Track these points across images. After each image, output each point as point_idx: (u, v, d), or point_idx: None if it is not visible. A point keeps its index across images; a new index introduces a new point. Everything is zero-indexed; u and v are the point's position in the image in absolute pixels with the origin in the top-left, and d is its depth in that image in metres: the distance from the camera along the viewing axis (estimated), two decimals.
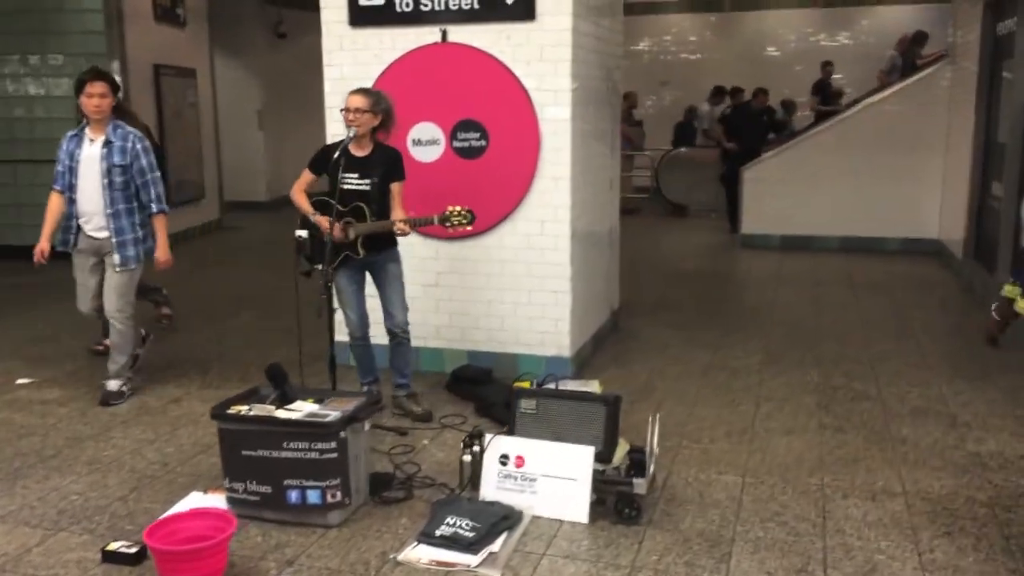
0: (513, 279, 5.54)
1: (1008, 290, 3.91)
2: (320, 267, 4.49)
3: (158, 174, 5.24)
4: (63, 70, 9.90)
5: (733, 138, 12.30)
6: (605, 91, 6.23)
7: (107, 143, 5.03)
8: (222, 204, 13.01)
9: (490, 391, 5.09)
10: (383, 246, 4.68)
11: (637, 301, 7.62)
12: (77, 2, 9.79)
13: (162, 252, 5.28)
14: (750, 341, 6.53)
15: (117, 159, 5.01)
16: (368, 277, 4.85)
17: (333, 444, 3.55)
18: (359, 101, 4.59)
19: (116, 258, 5.05)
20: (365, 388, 4.99)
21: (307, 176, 4.75)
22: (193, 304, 7.90)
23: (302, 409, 3.73)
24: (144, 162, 5.10)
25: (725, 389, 5.45)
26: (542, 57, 5.29)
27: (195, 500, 3.84)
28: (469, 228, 4.51)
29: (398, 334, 4.82)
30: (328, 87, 5.63)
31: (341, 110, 4.66)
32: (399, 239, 4.80)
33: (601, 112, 6.13)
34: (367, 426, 3.78)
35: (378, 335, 4.97)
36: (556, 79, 5.29)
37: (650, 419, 3.80)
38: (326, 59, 5.66)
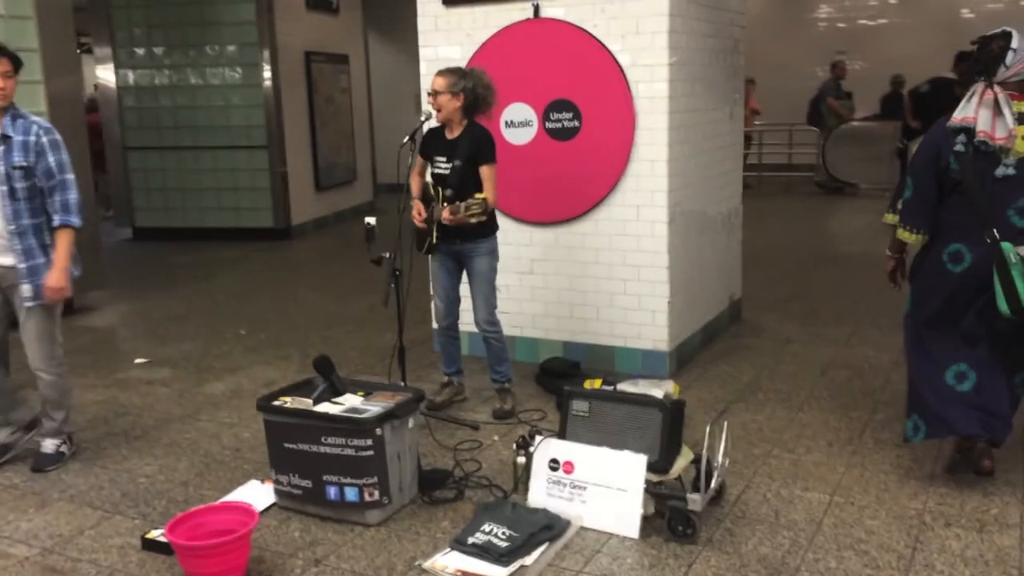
0: (608, 267, 5.24)
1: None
2: (388, 255, 4.38)
3: (72, 177, 3.99)
4: (218, 60, 10.41)
5: (920, 119, 11.03)
6: (722, 61, 5.76)
7: (3, 139, 3.86)
8: (375, 186, 13.35)
9: (576, 385, 4.81)
10: (468, 236, 4.46)
11: (771, 290, 7.10)
12: None
13: (55, 276, 3.92)
14: (887, 337, 5.88)
15: (17, 158, 3.84)
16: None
17: (369, 441, 3.43)
18: (437, 82, 4.43)
19: (25, 290, 3.92)
20: (446, 379, 4.87)
21: (418, 160, 4.62)
22: (324, 286, 8.08)
23: (345, 403, 3.64)
24: (52, 160, 3.91)
25: (842, 391, 4.93)
26: (638, 30, 4.93)
27: (252, 489, 3.85)
28: (483, 216, 4.22)
29: (480, 331, 4.65)
30: (424, 69, 5.52)
31: (428, 92, 4.52)
32: (498, 229, 4.61)
33: (715, 86, 5.68)
34: (411, 423, 3.64)
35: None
36: (653, 53, 4.91)
37: (708, 429, 3.43)
38: (421, 40, 5.55)
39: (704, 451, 3.38)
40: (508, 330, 5.54)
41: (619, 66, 4.98)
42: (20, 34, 6.54)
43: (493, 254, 4.57)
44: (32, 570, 3.25)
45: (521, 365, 5.45)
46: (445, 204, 4.34)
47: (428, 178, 4.59)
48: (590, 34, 5.02)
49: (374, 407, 3.56)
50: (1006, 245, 3.45)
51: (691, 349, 5.53)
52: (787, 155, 15.34)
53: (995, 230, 3.46)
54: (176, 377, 5.48)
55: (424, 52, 5.54)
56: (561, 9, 5.09)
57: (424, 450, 4.23)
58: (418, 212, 4.47)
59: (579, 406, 3.60)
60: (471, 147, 4.39)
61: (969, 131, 3.47)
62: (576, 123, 5.14)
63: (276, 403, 3.63)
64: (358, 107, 12.61)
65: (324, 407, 3.59)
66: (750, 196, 6.33)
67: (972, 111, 3.47)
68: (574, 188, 5.21)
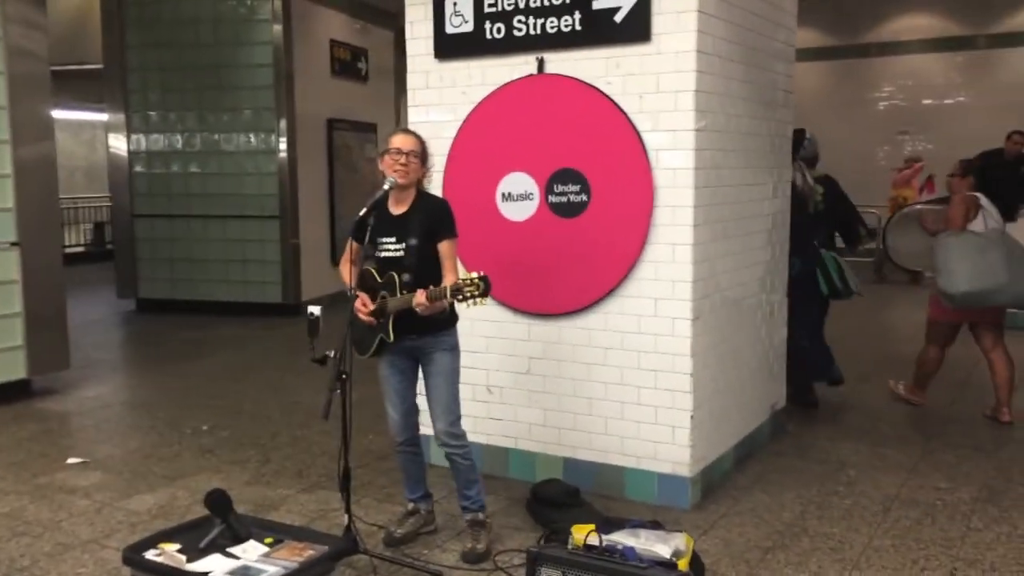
0: (619, 371, 4.32)
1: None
2: (333, 353, 3.53)
3: None
4: (232, 126, 9.88)
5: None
6: (764, 129, 4.91)
7: None
8: None
9: (571, 518, 3.85)
10: (428, 328, 3.63)
11: (820, 398, 6.06)
12: (248, 58, 9.75)
13: None
14: (965, 464, 4.84)
15: None
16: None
17: None
18: (411, 142, 3.67)
19: None
20: (411, 506, 3.96)
21: (351, 246, 3.85)
22: (318, 373, 7.23)
23: (242, 556, 2.75)
24: None
25: (910, 541, 3.89)
26: (659, 88, 4.11)
27: None
28: (484, 301, 3.35)
29: (441, 446, 3.76)
30: None
31: (380, 154, 3.73)
32: (459, 319, 3.79)
33: (755, 157, 4.81)
34: None
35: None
36: (676, 116, 4.08)
37: None
38: (411, 99, 4.80)
39: None
40: (500, 440, 4.68)
41: (636, 131, 4.14)
42: None
43: (456, 350, 3.73)
44: None
45: (514, 484, 4.53)
46: (404, 291, 3.51)
47: (367, 264, 3.74)
48: (602, 93, 4.21)
49: (272, 567, 2.66)
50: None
51: (720, 473, 4.55)
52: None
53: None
54: (104, 484, 4.64)
55: (413, 114, 4.78)
56: (569, 64, 4.30)
57: None
58: (363, 304, 3.63)
59: (550, 575, 2.66)
60: (430, 221, 3.62)
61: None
62: (584, 197, 4.29)
63: (148, 553, 2.75)
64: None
65: (206, 563, 2.70)
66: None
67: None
68: (580, 274, 4.34)
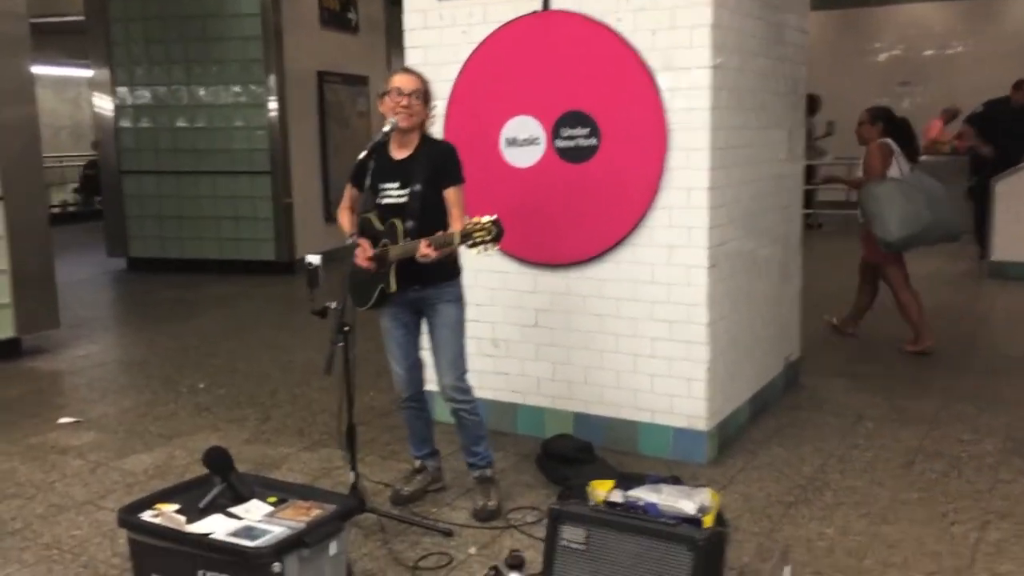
0: (632, 323, 4.15)
1: None
2: (334, 305, 3.35)
3: None
4: (220, 78, 9.59)
5: (987, 142, 9.96)
6: (779, 69, 4.69)
7: None
8: None
9: (586, 474, 3.71)
10: (432, 279, 3.44)
11: (834, 349, 5.94)
12: (235, 7, 9.43)
13: None
14: (985, 415, 4.71)
15: None
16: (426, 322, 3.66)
17: None
18: (414, 82, 3.45)
19: None
20: (417, 463, 3.81)
21: (350, 192, 3.64)
22: (313, 330, 7.05)
23: (245, 516, 2.59)
24: None
25: (937, 494, 3.76)
26: (673, 23, 3.89)
27: None
28: (495, 247, 3.14)
29: (447, 402, 3.59)
30: None
31: (380, 95, 3.51)
32: (463, 270, 3.60)
33: (771, 100, 4.60)
34: (334, 548, 2.57)
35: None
36: (691, 53, 3.86)
37: None
38: (408, 40, 4.57)
39: None
40: (507, 396, 4.52)
41: (648, 70, 3.93)
42: None
43: (461, 301, 3.56)
44: None
45: (522, 440, 4.39)
46: (407, 239, 3.32)
47: (368, 213, 3.52)
48: (612, 30, 3.99)
49: (277, 527, 2.51)
50: None
51: (736, 427, 4.41)
52: (844, 191, 14.21)
53: None
54: (99, 444, 4.48)
55: (410, 55, 4.55)
56: None
57: (376, 566, 3.17)
58: (363, 250, 3.43)
59: (571, 535, 2.52)
60: (435, 166, 3.41)
61: None
62: (593, 141, 4.09)
63: (145, 514, 2.59)
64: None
65: (207, 524, 2.54)
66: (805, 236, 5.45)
67: None
68: (590, 222, 4.16)
